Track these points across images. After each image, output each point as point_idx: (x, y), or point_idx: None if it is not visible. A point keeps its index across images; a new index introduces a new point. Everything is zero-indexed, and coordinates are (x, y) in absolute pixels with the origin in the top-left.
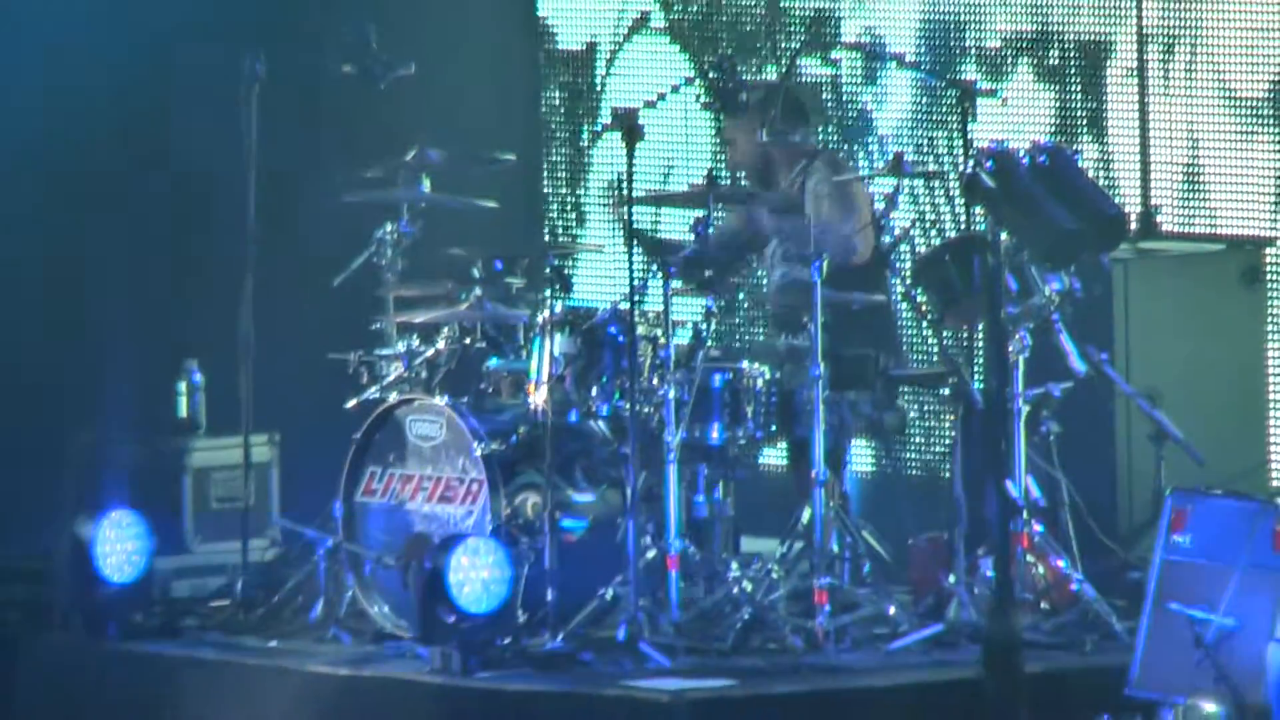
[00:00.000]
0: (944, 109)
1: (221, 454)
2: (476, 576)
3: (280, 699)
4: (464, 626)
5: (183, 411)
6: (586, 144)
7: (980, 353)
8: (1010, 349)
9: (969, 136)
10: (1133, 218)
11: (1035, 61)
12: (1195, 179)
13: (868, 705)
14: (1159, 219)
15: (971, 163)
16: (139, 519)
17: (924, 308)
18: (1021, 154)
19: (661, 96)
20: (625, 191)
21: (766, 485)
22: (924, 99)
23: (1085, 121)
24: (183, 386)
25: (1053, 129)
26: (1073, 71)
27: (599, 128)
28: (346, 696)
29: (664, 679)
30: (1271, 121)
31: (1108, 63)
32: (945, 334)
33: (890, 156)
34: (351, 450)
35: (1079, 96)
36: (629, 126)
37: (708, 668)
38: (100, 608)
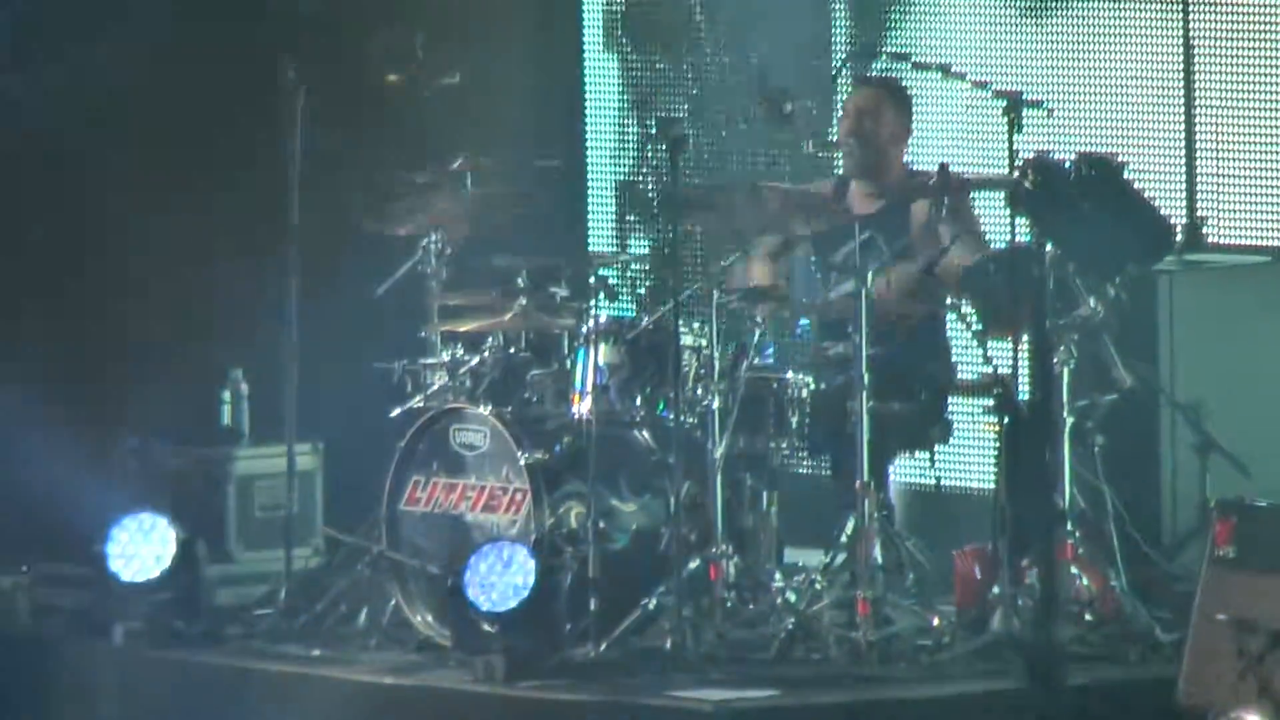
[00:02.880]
0: (990, 119)
1: (265, 462)
2: (499, 582)
3: (324, 708)
4: (497, 631)
5: (227, 419)
6: (632, 152)
7: (1025, 364)
8: (1055, 360)
9: (1014, 147)
10: (1179, 229)
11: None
12: (1242, 190)
13: (911, 716)
14: (1205, 230)
15: (1017, 173)
16: (167, 524)
17: (969, 318)
18: (1067, 165)
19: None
20: (672, 201)
21: (810, 495)
22: (969, 109)
23: (1131, 132)
24: (227, 394)
25: (1098, 139)
26: (1118, 81)
27: (645, 137)
28: (390, 706)
29: (707, 689)
30: None
31: (1153, 71)
32: (990, 345)
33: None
34: (395, 459)
35: (1125, 106)
36: (674, 137)
37: (751, 678)
38: (107, 607)
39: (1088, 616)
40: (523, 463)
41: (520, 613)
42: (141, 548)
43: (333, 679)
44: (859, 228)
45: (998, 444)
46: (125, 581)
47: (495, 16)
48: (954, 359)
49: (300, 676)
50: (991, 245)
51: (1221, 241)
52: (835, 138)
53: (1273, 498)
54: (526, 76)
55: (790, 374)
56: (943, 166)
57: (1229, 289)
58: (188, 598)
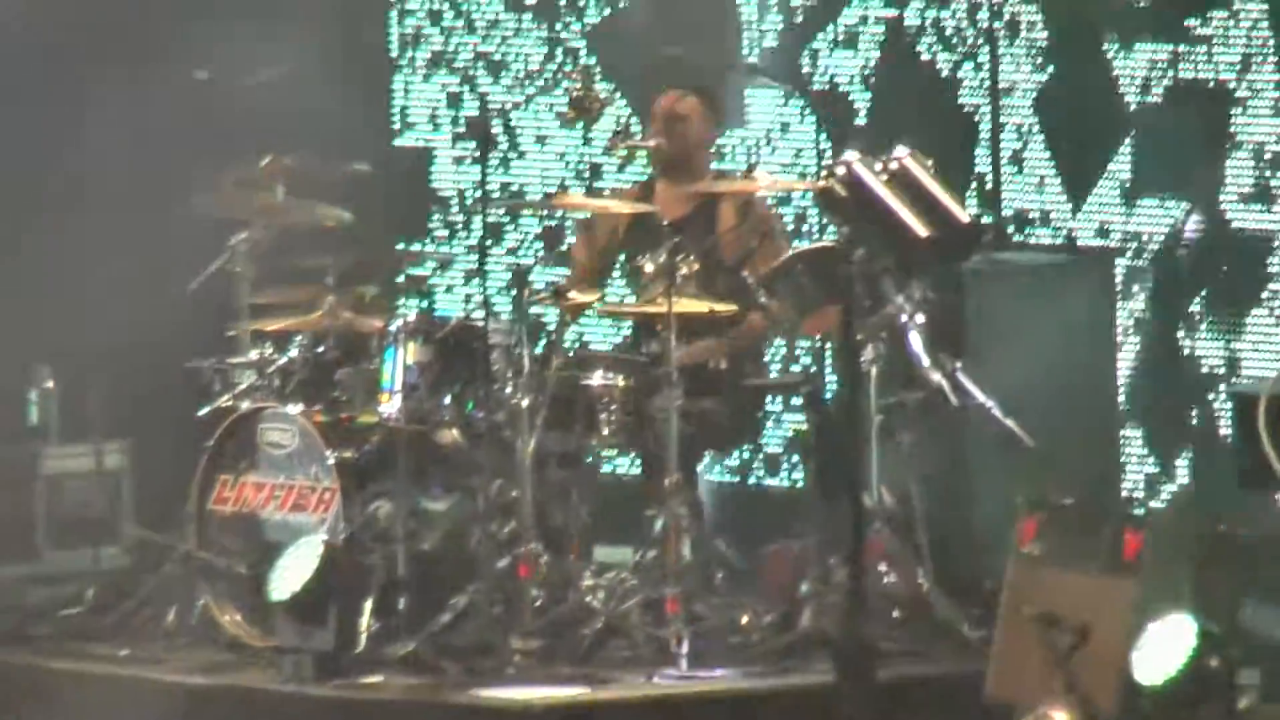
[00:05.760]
0: (800, 119)
1: (74, 461)
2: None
3: (132, 708)
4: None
5: (35, 418)
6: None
7: (833, 362)
8: (863, 359)
9: (822, 147)
10: (985, 227)
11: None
12: (1048, 189)
13: (720, 713)
14: (1010, 229)
15: (824, 173)
16: None
17: (777, 316)
18: (874, 163)
19: (517, 106)
20: (480, 201)
21: (621, 493)
22: (778, 111)
23: (937, 130)
24: (34, 393)
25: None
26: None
27: (455, 134)
28: (199, 705)
29: (516, 687)
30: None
31: (960, 74)
32: (798, 343)
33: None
34: (203, 458)
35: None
36: (483, 134)
37: (561, 676)
38: None
39: (896, 613)
40: (331, 462)
41: (302, 602)
42: None
43: (141, 678)
44: (667, 233)
45: (806, 443)
46: None
47: (306, 13)
48: (763, 358)
49: (108, 676)
50: (796, 245)
51: (1027, 240)
52: (643, 139)
53: (1076, 495)
54: (338, 73)
55: (600, 372)
56: (750, 167)
57: (1035, 287)
58: None
